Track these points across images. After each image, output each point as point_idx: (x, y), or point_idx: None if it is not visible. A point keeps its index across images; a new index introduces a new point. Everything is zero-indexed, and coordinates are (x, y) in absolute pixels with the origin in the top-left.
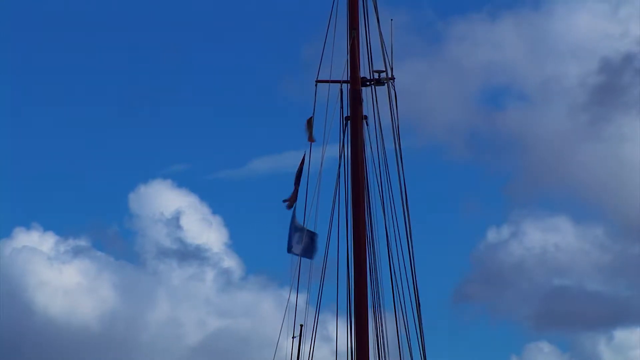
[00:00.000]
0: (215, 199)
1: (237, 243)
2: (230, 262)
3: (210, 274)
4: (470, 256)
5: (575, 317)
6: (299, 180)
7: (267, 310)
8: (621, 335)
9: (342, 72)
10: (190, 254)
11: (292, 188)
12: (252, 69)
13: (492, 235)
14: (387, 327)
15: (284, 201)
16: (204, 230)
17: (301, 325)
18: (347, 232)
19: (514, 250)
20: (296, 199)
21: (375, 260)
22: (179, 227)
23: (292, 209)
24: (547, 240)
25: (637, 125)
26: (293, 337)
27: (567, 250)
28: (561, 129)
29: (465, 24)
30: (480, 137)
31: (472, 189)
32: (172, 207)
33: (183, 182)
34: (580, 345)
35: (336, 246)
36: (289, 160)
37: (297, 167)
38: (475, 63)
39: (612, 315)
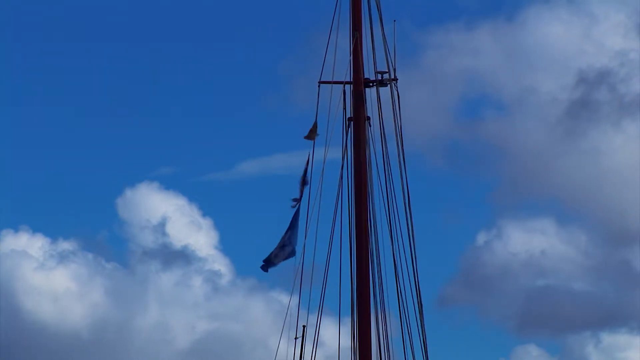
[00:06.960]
0: (204, 201)
1: (226, 246)
2: (220, 265)
3: (199, 277)
4: (457, 260)
5: (563, 320)
6: (304, 180)
7: (257, 312)
8: (609, 338)
9: (344, 73)
10: (178, 257)
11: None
12: (242, 71)
13: (479, 240)
14: (385, 328)
15: (293, 200)
16: (193, 233)
17: (304, 326)
18: (350, 233)
19: (501, 255)
20: (300, 199)
21: (378, 261)
22: (167, 230)
23: (295, 210)
24: (533, 245)
25: (612, 140)
26: (296, 338)
27: (554, 255)
28: (540, 139)
29: (442, 34)
30: (460, 146)
31: (455, 195)
32: (160, 210)
33: (171, 184)
34: (569, 348)
35: (338, 247)
36: (278, 163)
37: (304, 167)
38: (452, 72)
39: (599, 318)
